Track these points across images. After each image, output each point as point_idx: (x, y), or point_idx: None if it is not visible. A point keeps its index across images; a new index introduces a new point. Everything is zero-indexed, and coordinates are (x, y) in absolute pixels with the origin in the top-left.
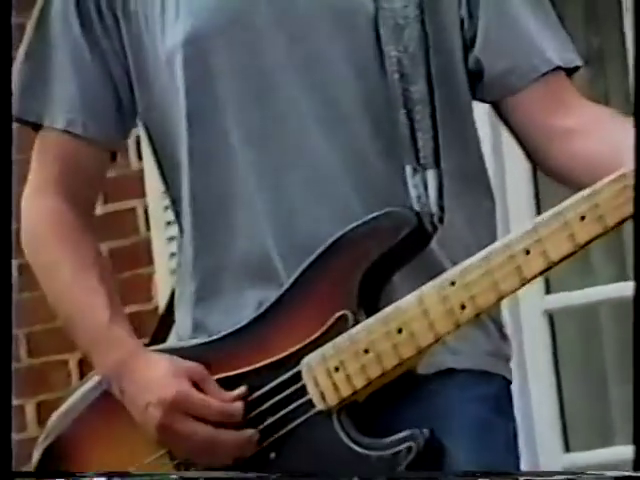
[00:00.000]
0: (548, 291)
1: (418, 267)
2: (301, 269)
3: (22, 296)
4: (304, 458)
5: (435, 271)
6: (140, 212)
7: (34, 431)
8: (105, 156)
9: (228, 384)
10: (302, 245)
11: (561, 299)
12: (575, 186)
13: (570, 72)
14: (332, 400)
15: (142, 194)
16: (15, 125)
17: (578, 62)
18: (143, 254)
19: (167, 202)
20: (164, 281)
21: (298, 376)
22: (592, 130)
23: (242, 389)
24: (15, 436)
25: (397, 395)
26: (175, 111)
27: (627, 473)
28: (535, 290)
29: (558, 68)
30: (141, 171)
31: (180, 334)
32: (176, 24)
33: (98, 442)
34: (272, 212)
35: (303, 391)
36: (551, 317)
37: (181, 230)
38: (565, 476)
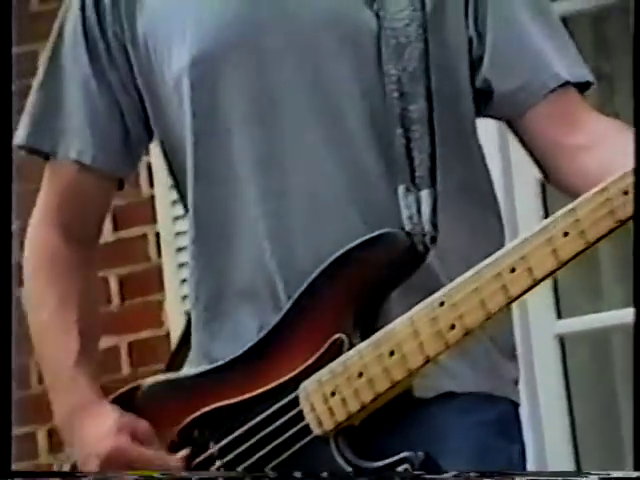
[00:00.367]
0: (559, 316)
1: (418, 286)
2: (296, 295)
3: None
4: None
5: (435, 290)
6: (151, 238)
7: (45, 459)
8: (111, 185)
9: (228, 413)
10: (304, 269)
11: (572, 324)
12: None
13: (581, 87)
14: (328, 425)
15: (153, 220)
16: (22, 153)
17: (589, 77)
18: (154, 281)
19: (178, 228)
20: (175, 308)
21: (296, 402)
22: (601, 145)
23: (185, 452)
24: (27, 464)
25: (396, 419)
26: (184, 134)
27: (628, 473)
28: (546, 314)
29: (567, 83)
30: (152, 198)
31: (191, 359)
32: (183, 47)
33: None
34: (275, 236)
35: (300, 417)
36: (562, 341)
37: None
38: (567, 477)
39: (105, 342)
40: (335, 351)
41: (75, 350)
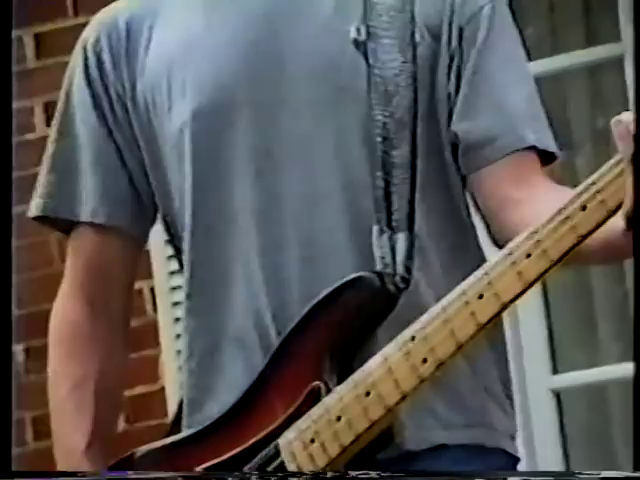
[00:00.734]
0: (555, 370)
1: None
2: (276, 346)
3: (29, 379)
4: None
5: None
6: (147, 293)
7: None
8: (131, 246)
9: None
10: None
11: (568, 378)
12: None
13: (547, 158)
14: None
15: (149, 275)
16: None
17: (554, 149)
18: (150, 335)
19: (174, 283)
20: (170, 363)
21: (277, 453)
22: (543, 199)
23: None
24: None
25: (386, 471)
26: (182, 190)
27: (626, 474)
28: (542, 369)
29: (532, 149)
30: (147, 252)
31: (184, 415)
32: (183, 103)
33: None
34: (271, 288)
35: (283, 468)
36: (558, 396)
37: (186, 310)
38: (562, 477)
39: None
40: (313, 399)
41: (88, 432)
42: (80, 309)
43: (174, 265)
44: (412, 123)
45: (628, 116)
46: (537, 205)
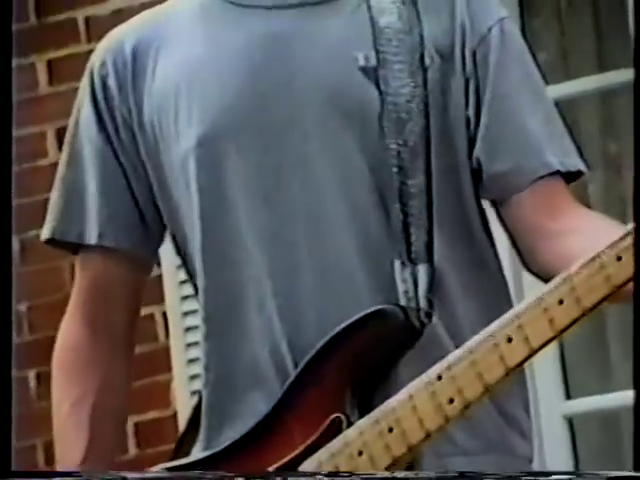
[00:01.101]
0: (568, 396)
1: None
2: (293, 375)
3: (40, 404)
4: None
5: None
6: (159, 318)
7: None
8: (135, 269)
9: None
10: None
11: (581, 404)
12: None
13: (572, 176)
14: None
15: (161, 300)
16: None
17: (580, 166)
18: (162, 361)
19: (186, 308)
20: (182, 388)
21: None
22: (578, 231)
23: None
24: None
25: None
26: (191, 215)
27: (626, 473)
28: (554, 395)
29: (556, 172)
30: (159, 277)
31: (200, 440)
32: (189, 128)
33: None
34: (285, 315)
35: None
36: (571, 422)
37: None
38: (565, 476)
39: None
40: (334, 430)
41: (83, 448)
42: (81, 331)
43: (186, 290)
44: (425, 150)
45: None
46: (572, 238)
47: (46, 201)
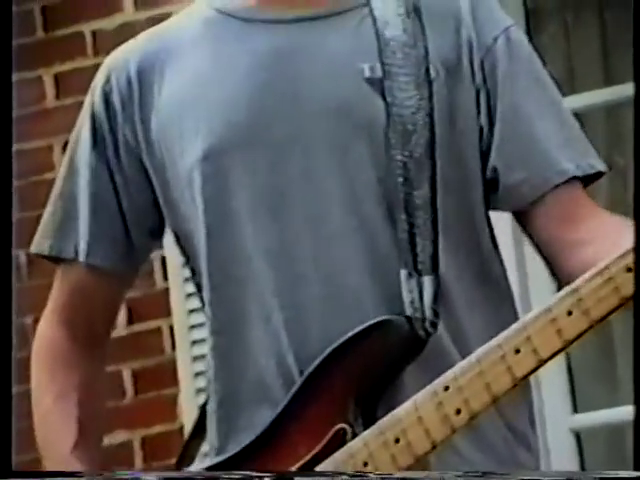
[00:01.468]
0: (575, 410)
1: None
2: (297, 386)
3: None
4: None
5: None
6: (165, 332)
7: None
8: (116, 283)
9: None
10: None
11: (588, 418)
12: None
13: (591, 178)
14: None
15: (167, 314)
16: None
17: (599, 167)
18: (168, 374)
19: (192, 321)
20: (189, 401)
21: None
22: (601, 239)
23: None
24: None
25: None
26: (197, 229)
27: (628, 473)
28: (562, 408)
29: (574, 178)
30: (166, 290)
31: (205, 452)
32: (195, 143)
33: None
34: (291, 327)
35: None
36: (578, 435)
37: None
38: (565, 476)
39: (118, 436)
40: (338, 441)
41: (72, 440)
42: (62, 330)
43: (193, 303)
44: (430, 161)
45: None
46: (595, 245)
47: None
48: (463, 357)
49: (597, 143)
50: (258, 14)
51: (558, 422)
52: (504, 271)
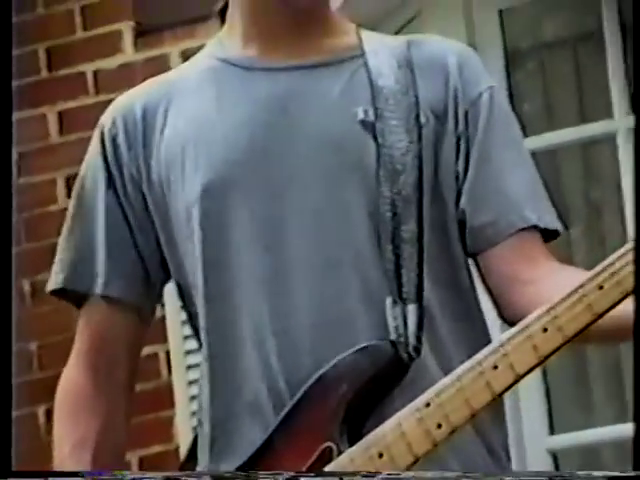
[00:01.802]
0: (552, 431)
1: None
2: (287, 408)
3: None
4: None
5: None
6: (162, 357)
7: None
8: (136, 320)
9: None
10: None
11: (564, 439)
12: None
13: (549, 234)
14: None
15: (164, 340)
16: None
17: (557, 226)
18: (165, 397)
19: (188, 347)
20: (185, 423)
21: None
22: (551, 279)
23: None
24: None
25: None
26: (195, 263)
27: (626, 473)
28: (539, 430)
29: (534, 227)
30: (163, 318)
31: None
32: (195, 181)
33: None
34: (283, 354)
35: None
36: (555, 456)
37: (201, 373)
38: (558, 476)
39: None
40: (325, 459)
41: None
42: (83, 375)
43: (188, 330)
44: (418, 200)
45: None
46: (546, 284)
47: (55, 245)
48: (444, 373)
49: (572, 176)
50: (258, 63)
51: (536, 443)
52: (478, 303)
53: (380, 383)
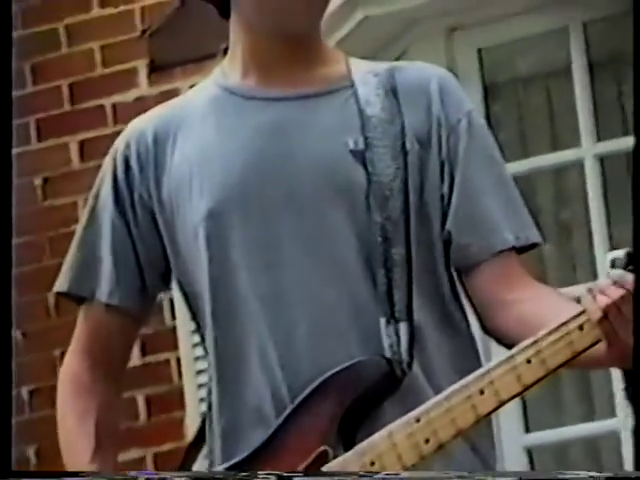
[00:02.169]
0: (527, 429)
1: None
2: (287, 412)
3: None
4: None
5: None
6: (173, 363)
7: None
8: (134, 322)
9: None
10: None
11: (538, 437)
12: (512, 345)
13: (528, 247)
14: None
15: (175, 347)
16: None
17: (534, 239)
18: (176, 399)
19: (197, 354)
20: (195, 423)
21: None
22: (528, 300)
23: None
24: None
25: None
26: (201, 278)
27: (628, 473)
28: (515, 428)
29: (513, 248)
30: (174, 327)
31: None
32: (200, 203)
33: None
34: (285, 363)
35: None
36: (530, 452)
37: (210, 378)
38: (554, 476)
39: (133, 453)
40: (321, 461)
41: (90, 452)
42: (83, 364)
43: (197, 338)
44: (405, 223)
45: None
46: (526, 306)
47: None
48: (435, 393)
49: (545, 200)
50: (256, 92)
51: (512, 440)
52: (465, 316)
53: (375, 395)
